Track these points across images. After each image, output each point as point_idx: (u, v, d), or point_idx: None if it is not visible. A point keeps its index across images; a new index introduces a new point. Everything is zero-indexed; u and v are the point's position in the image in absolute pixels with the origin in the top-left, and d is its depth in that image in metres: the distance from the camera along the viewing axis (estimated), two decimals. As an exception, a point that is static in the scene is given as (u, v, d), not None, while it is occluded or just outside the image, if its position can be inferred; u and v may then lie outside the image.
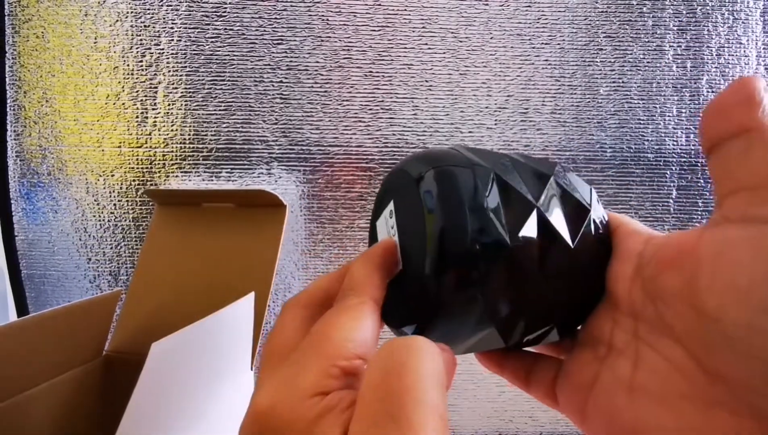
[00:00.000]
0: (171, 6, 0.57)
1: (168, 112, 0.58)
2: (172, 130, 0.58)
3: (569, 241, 0.18)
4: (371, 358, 0.14)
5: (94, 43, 0.57)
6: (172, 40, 0.57)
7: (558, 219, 0.18)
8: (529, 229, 0.17)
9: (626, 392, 0.17)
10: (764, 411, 0.13)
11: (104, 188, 0.59)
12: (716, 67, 0.59)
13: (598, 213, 0.20)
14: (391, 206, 0.20)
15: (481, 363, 0.22)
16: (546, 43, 0.58)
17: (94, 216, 0.59)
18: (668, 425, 0.15)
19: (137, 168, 0.59)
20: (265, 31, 0.57)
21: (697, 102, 0.59)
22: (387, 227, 0.21)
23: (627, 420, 0.16)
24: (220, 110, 0.58)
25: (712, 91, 0.59)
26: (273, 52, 0.58)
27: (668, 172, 0.60)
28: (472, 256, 0.16)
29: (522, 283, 0.17)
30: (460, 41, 0.58)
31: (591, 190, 0.21)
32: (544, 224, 0.18)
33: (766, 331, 0.12)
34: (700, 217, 0.60)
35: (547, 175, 0.19)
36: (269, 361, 0.17)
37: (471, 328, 0.18)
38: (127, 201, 0.59)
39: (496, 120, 0.58)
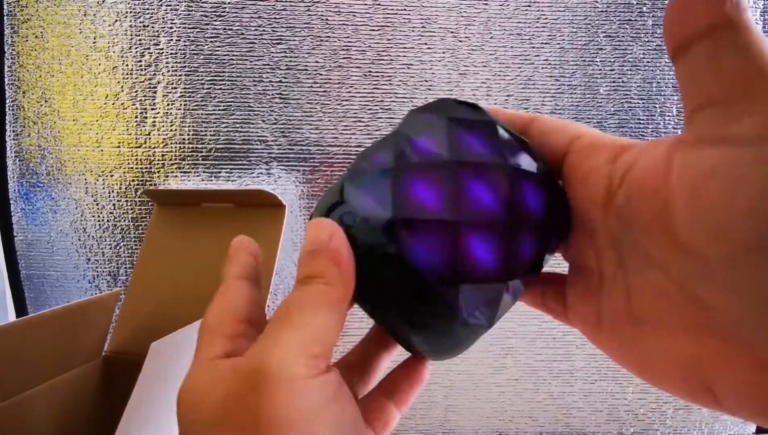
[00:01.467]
0: (170, 6, 0.57)
1: (167, 112, 0.58)
2: (171, 130, 0.58)
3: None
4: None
5: (93, 43, 0.57)
6: (171, 39, 0.57)
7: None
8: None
9: (629, 323, 0.16)
10: (750, 340, 0.12)
11: (103, 188, 0.59)
12: (716, 67, 0.59)
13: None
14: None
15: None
16: (546, 43, 0.58)
17: (94, 216, 0.59)
18: (671, 353, 0.15)
19: (136, 168, 0.59)
20: (264, 30, 0.57)
21: (696, 101, 0.59)
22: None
23: (636, 350, 0.16)
24: (219, 110, 0.58)
25: (712, 91, 0.59)
26: (272, 52, 0.57)
27: (668, 171, 0.60)
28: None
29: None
30: (460, 41, 0.58)
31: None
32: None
33: (746, 267, 0.11)
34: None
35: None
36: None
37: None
38: (127, 201, 0.59)
39: (495, 120, 0.58)
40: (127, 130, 0.58)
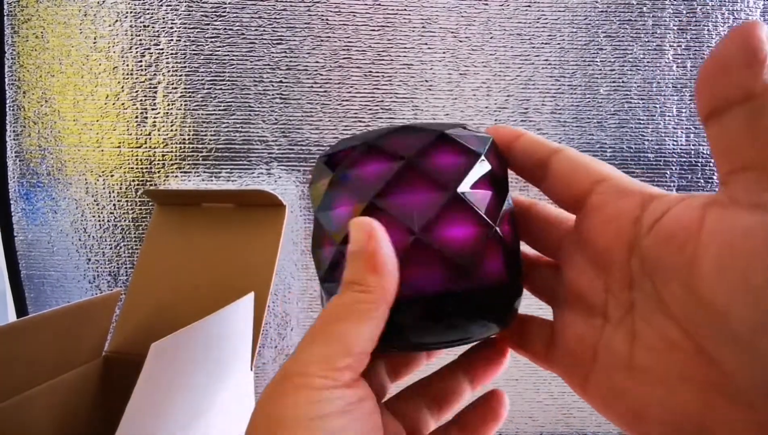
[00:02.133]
0: (170, 6, 0.57)
1: (167, 112, 0.58)
2: (171, 130, 0.58)
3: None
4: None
5: (94, 43, 0.57)
6: (172, 40, 0.57)
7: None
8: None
9: (626, 371, 0.16)
10: (761, 407, 0.12)
11: (104, 188, 0.59)
12: (716, 67, 0.59)
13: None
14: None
15: None
16: (546, 43, 0.58)
17: (94, 216, 0.59)
18: (668, 407, 0.14)
19: (137, 168, 0.59)
20: (264, 30, 0.57)
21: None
22: None
23: (628, 400, 0.16)
24: (219, 110, 0.58)
25: (712, 91, 0.59)
26: (272, 52, 0.57)
27: (668, 172, 0.60)
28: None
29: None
30: (460, 41, 0.58)
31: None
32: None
33: None
34: (700, 217, 0.60)
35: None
36: None
37: None
38: (127, 201, 0.59)
39: (496, 120, 0.58)
40: (128, 130, 0.58)
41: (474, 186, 0.18)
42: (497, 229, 0.18)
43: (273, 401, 0.15)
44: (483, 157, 0.19)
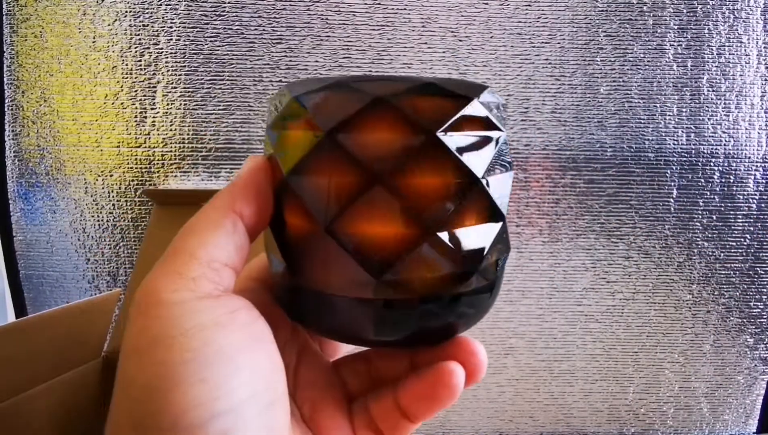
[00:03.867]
0: (170, 5, 0.57)
1: (167, 112, 0.58)
2: (171, 130, 0.58)
3: None
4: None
5: (93, 42, 0.57)
6: (171, 39, 0.57)
7: None
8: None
9: None
10: None
11: (103, 188, 0.59)
12: (717, 66, 0.59)
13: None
14: None
15: None
16: (546, 42, 0.58)
17: (93, 216, 0.59)
18: None
19: (136, 168, 0.59)
20: (264, 30, 0.57)
21: (697, 101, 0.59)
22: None
23: None
24: (219, 110, 0.58)
25: (713, 90, 0.59)
26: (272, 52, 0.57)
27: (669, 171, 0.59)
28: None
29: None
30: (460, 40, 0.58)
31: None
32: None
33: None
34: (700, 217, 0.60)
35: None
36: None
37: None
38: (126, 201, 0.59)
39: (496, 119, 0.58)
40: (127, 129, 0.58)
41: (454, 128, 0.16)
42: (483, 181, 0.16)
43: (132, 329, 0.14)
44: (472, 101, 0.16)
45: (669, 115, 0.59)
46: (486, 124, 0.16)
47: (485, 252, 0.16)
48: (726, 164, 0.60)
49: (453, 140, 0.15)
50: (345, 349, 0.21)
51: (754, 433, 0.65)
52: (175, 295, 0.14)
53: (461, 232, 0.16)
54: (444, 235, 0.15)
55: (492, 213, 0.16)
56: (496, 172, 0.17)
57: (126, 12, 0.57)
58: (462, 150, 0.15)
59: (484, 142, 0.16)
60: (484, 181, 0.16)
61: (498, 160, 0.17)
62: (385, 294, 0.15)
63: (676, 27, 0.58)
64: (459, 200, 0.15)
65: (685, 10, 0.58)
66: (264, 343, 0.15)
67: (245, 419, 0.14)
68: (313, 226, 0.16)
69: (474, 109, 0.16)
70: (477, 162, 0.16)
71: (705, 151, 0.60)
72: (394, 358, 0.19)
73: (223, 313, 0.14)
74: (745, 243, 0.61)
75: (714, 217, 0.60)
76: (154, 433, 0.13)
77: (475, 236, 0.16)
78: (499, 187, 0.17)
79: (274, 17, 0.57)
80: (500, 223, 0.17)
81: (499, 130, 0.17)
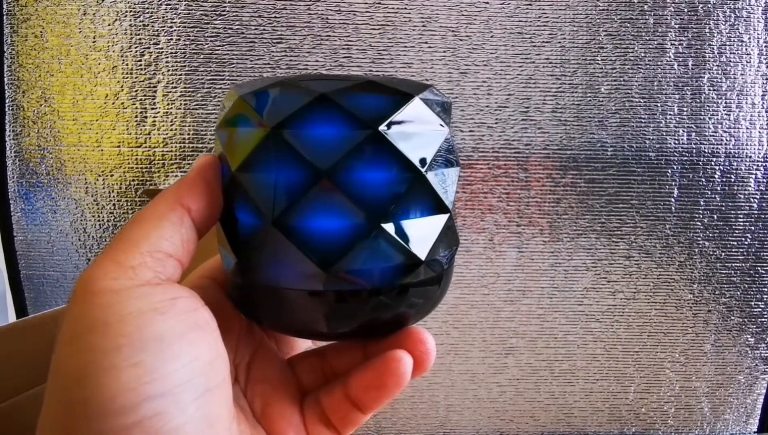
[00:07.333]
0: (170, 5, 0.57)
1: (167, 112, 0.58)
2: (171, 130, 0.58)
3: None
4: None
5: (93, 42, 0.57)
6: (171, 39, 0.57)
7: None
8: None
9: None
10: None
11: (103, 188, 0.59)
12: (718, 66, 0.59)
13: None
14: None
15: None
16: (547, 42, 0.58)
17: (93, 216, 0.59)
18: None
19: (136, 168, 0.59)
20: (264, 29, 0.57)
21: (698, 100, 0.59)
22: None
23: None
24: (219, 109, 0.58)
25: (714, 90, 0.59)
26: (272, 51, 0.57)
27: (669, 170, 0.59)
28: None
29: None
30: (461, 40, 0.58)
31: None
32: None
33: None
34: (701, 216, 0.60)
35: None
36: None
37: None
38: (127, 201, 0.59)
39: (496, 119, 0.58)
40: (127, 129, 0.58)
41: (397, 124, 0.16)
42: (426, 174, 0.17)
43: (68, 317, 0.14)
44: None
45: (670, 115, 0.59)
46: (428, 121, 0.17)
47: (431, 244, 0.17)
48: (727, 163, 0.60)
49: (395, 135, 0.16)
50: (302, 347, 0.22)
51: (754, 432, 0.65)
52: (113, 282, 0.14)
53: (406, 224, 0.16)
54: (389, 227, 0.16)
55: (436, 206, 0.17)
56: (439, 166, 0.17)
57: (126, 12, 0.57)
58: (404, 145, 0.16)
59: (426, 137, 0.17)
60: (427, 175, 0.16)
61: (442, 155, 0.17)
62: (335, 285, 0.16)
63: (677, 26, 0.58)
64: (403, 193, 0.16)
65: (686, 9, 0.58)
66: (205, 331, 0.15)
67: (180, 403, 0.13)
68: (262, 221, 0.16)
69: (416, 106, 0.17)
70: (419, 156, 0.16)
71: (706, 150, 0.60)
72: (348, 353, 0.19)
73: (162, 300, 0.14)
74: (746, 242, 0.61)
75: (715, 216, 0.60)
76: (83, 422, 0.13)
77: (421, 228, 0.17)
78: (443, 182, 0.17)
79: (275, 17, 0.57)
80: (446, 216, 0.18)
81: (441, 127, 0.18)
